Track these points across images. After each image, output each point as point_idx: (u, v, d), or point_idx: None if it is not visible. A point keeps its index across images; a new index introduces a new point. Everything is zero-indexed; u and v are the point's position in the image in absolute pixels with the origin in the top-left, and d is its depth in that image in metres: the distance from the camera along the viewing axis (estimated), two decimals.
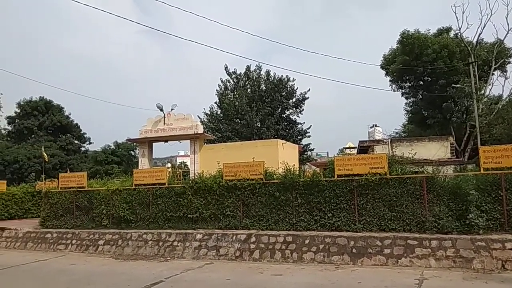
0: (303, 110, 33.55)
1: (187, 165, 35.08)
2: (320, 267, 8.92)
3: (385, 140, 24.09)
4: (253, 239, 10.31)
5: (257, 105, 31.18)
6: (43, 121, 43.36)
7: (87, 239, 12.34)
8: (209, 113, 33.92)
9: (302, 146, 31.17)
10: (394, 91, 33.04)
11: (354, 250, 9.24)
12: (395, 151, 20.28)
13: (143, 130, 20.71)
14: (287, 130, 32.01)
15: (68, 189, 13.89)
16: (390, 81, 32.80)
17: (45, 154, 23.84)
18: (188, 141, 20.26)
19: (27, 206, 18.75)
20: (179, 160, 71.00)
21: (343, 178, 10.42)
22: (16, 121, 44.18)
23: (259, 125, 31.27)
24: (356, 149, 26.75)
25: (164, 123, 20.33)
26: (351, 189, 10.30)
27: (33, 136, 43.00)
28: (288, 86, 32.81)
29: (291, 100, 33.09)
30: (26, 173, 36.36)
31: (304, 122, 33.35)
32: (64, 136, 44.21)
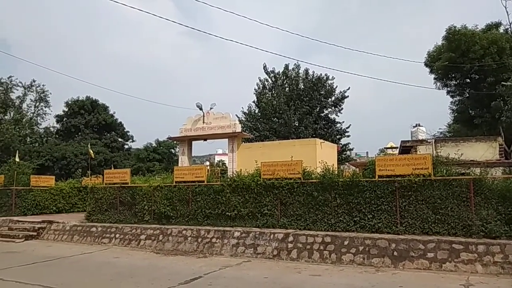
0: (342, 109, 33.03)
1: (225, 164, 35.53)
2: (359, 269, 8.75)
3: (428, 140, 23.16)
4: (290, 238, 10.27)
5: (295, 104, 31.00)
6: (89, 119, 45.34)
7: (129, 234, 12.78)
8: (247, 112, 34.12)
9: (341, 145, 30.66)
10: (439, 89, 31.66)
11: (395, 253, 8.98)
12: (439, 152, 19.47)
13: (183, 128, 21.16)
14: (325, 130, 31.61)
15: (112, 185, 14.43)
16: (434, 79, 31.44)
17: (91, 151, 24.88)
18: (226, 139, 20.50)
19: (74, 201, 19.69)
20: (217, 158, 72.02)
21: (384, 179, 10.15)
22: (64, 119, 46.48)
23: (297, 124, 31.08)
24: (397, 149, 25.94)
25: (204, 122, 20.67)
26: (392, 190, 10.01)
27: (80, 134, 45.09)
28: (327, 85, 32.39)
29: (330, 99, 32.65)
30: (73, 169, 38.19)
31: (343, 121, 32.82)
32: (108, 134, 46.07)
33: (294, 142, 19.77)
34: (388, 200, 10.05)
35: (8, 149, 32.92)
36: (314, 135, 27.97)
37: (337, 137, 32.04)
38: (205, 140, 21.58)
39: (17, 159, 19.42)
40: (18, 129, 39.19)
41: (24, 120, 43.04)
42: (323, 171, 11.14)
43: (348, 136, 32.75)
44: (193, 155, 22.90)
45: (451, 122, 36.01)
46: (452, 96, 31.86)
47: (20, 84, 43.56)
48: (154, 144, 44.90)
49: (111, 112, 47.91)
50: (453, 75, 30.03)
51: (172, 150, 44.88)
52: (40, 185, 18.61)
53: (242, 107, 34.82)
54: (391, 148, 26.06)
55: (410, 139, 29.64)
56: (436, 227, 9.37)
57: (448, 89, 31.50)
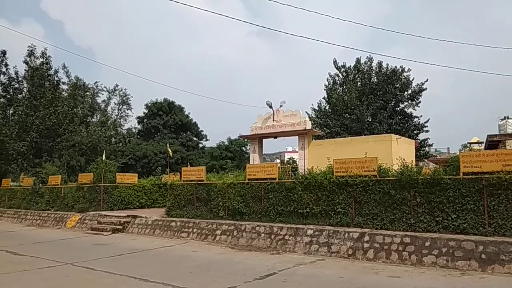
0: (420, 102, 31.27)
1: (295, 161, 35.45)
2: (442, 271, 8.20)
3: None
4: (366, 238, 9.94)
5: (368, 98, 29.96)
6: (167, 120, 48.02)
7: (206, 229, 13.28)
8: (317, 108, 33.71)
9: (419, 141, 29.01)
10: None
11: (483, 256, 8.27)
12: None
13: (254, 127, 21.49)
14: (401, 125, 30.14)
15: (189, 182, 15.10)
16: None
17: (169, 150, 26.28)
18: (297, 137, 20.44)
19: (155, 197, 20.94)
20: (287, 156, 72.06)
21: (469, 176, 9.39)
22: (145, 120, 49.77)
23: (370, 120, 30.02)
24: (483, 144, 23.88)
25: (273, 120, 20.80)
26: (479, 188, 9.22)
27: (158, 134, 47.97)
28: (403, 77, 30.84)
29: (406, 92, 31.06)
30: (154, 167, 40.75)
31: (421, 116, 31.03)
32: (184, 134, 48.44)
33: (368, 138, 19.13)
34: (474, 199, 9.29)
35: (96, 149, 36.04)
36: (389, 131, 26.80)
37: (415, 132, 30.39)
38: (275, 137, 21.72)
39: (104, 158, 21.08)
40: (104, 131, 42.75)
41: (109, 122, 46.90)
42: (400, 168, 10.61)
43: (427, 131, 30.93)
44: (263, 152, 23.17)
45: None
46: None
47: (105, 89, 47.71)
48: (226, 143, 46.28)
49: (186, 113, 50.32)
50: None
51: (244, 148, 45.89)
52: (124, 182, 20.08)
53: (312, 104, 34.47)
54: (477, 143, 24.07)
55: (497, 133, 27.05)
56: None
57: None
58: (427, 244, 9.03)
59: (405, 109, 31.36)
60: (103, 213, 17.71)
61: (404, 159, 10.99)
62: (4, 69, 28.81)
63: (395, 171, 10.75)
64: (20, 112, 27.96)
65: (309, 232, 10.95)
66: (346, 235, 10.27)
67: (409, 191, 10.13)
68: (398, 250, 9.29)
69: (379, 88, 30.51)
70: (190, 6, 15.09)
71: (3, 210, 23.90)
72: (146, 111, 49.56)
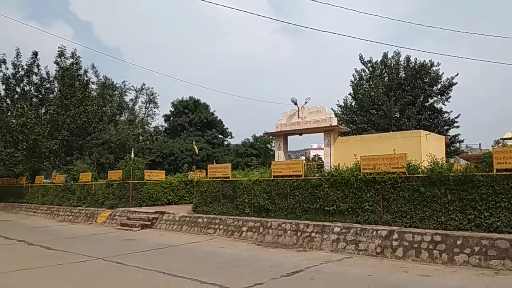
0: (450, 97, 30.27)
1: (321, 158, 35.14)
2: (475, 271, 7.95)
3: None
4: (395, 236, 9.76)
5: (395, 94, 29.32)
6: (193, 118, 48.57)
7: (232, 225, 13.37)
8: (343, 105, 33.25)
9: (449, 137, 28.16)
10: None
11: None
12: None
13: (279, 124, 21.44)
14: (430, 120, 29.32)
15: (215, 179, 15.23)
16: None
17: (195, 147, 26.54)
18: (322, 133, 20.25)
19: (182, 193, 21.22)
20: (312, 153, 71.52)
21: (504, 173, 9.06)
22: (171, 118, 50.49)
23: (398, 116, 29.36)
24: None
25: (298, 117, 20.69)
26: None
27: (184, 131, 48.58)
28: (432, 72, 29.93)
29: (435, 87, 30.14)
30: (180, 164, 41.32)
31: (451, 111, 30.01)
32: (209, 131, 48.85)
33: (396, 135, 18.74)
34: (508, 196, 8.95)
35: (124, 147, 36.84)
36: (417, 127, 26.12)
37: (445, 128, 29.49)
38: (300, 134, 21.60)
39: (132, 156, 21.54)
40: (132, 129, 43.63)
41: (136, 120, 47.87)
42: (430, 165, 10.34)
43: (457, 126, 29.91)
44: (288, 150, 23.09)
45: None
46: None
47: (132, 88, 48.75)
48: (251, 140, 46.37)
49: (211, 111, 50.72)
50: None
51: (268, 145, 45.89)
52: (152, 179, 20.45)
53: (338, 100, 33.97)
54: (510, 138, 23.17)
55: None
56: None
57: None
58: (458, 242, 8.78)
59: (435, 104, 30.47)
60: (132, 209, 18.11)
61: (434, 156, 10.72)
62: (36, 70, 29.80)
63: (425, 168, 10.49)
64: (51, 111, 28.86)
65: (336, 229, 10.85)
66: (374, 233, 10.12)
67: (440, 188, 9.86)
68: (429, 248, 9.08)
69: (407, 83, 29.77)
70: (216, 4, 15.12)
71: (37, 206, 24.84)
72: (172, 109, 50.29)
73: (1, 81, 28.69)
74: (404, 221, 10.29)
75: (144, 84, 49.59)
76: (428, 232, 9.38)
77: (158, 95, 50.58)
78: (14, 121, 28.03)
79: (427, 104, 30.22)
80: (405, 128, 26.30)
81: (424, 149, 15.25)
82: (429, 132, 18.68)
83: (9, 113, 28.23)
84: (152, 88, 50.14)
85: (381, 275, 7.82)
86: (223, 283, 7.17)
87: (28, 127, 27.07)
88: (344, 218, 11.33)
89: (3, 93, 28.78)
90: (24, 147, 27.84)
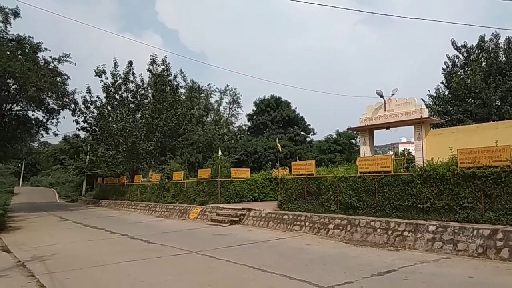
0: None
1: (411, 152, 33.17)
2: None
3: None
4: (499, 235, 8.85)
5: (495, 80, 26.52)
6: (275, 116, 49.22)
7: (318, 222, 13.26)
8: (434, 95, 31.01)
9: None
10: None
11: None
12: None
13: (363, 118, 20.72)
14: None
15: (299, 176, 15.24)
16: None
17: (279, 145, 26.78)
18: (412, 126, 19.12)
19: (266, 190, 21.61)
20: (401, 147, 67.88)
21: None
22: (254, 117, 51.73)
23: (499, 104, 26.54)
24: None
25: (385, 110, 19.79)
26: None
27: (267, 129, 49.43)
28: None
29: None
30: (264, 161, 42.11)
31: None
32: (292, 129, 49.07)
33: (497, 125, 16.97)
34: None
35: (211, 146, 38.61)
36: None
37: None
38: (387, 128, 20.61)
39: (220, 155, 22.47)
40: (217, 129, 45.58)
41: (221, 120, 49.91)
42: None
43: None
44: (374, 144, 22.20)
45: None
46: None
47: (217, 90, 50.95)
48: (334, 136, 45.49)
49: (293, 108, 50.88)
50: None
51: (353, 141, 44.61)
52: (238, 176, 21.15)
53: (429, 90, 31.67)
54: None
55: None
56: None
57: None
58: None
59: None
60: (221, 205, 18.90)
61: None
62: (131, 78, 32.52)
63: None
64: (146, 116, 31.29)
65: (431, 228, 10.17)
66: (475, 232, 9.29)
67: None
68: None
69: (509, 67, 26.75)
70: (297, 1, 15.09)
71: (136, 203, 27.18)
72: (255, 108, 51.53)
73: (102, 89, 31.79)
74: (509, 219, 9.29)
75: (227, 86, 51.61)
76: None
77: (241, 95, 52.31)
78: (114, 125, 30.98)
79: None
80: (508, 117, 23.69)
81: None
82: None
83: (110, 119, 31.20)
84: (235, 89, 52.00)
85: (484, 277, 7.16)
86: (312, 280, 7.14)
87: (127, 130, 29.77)
88: (439, 216, 10.58)
89: (104, 100, 31.85)
90: (124, 149, 30.68)
